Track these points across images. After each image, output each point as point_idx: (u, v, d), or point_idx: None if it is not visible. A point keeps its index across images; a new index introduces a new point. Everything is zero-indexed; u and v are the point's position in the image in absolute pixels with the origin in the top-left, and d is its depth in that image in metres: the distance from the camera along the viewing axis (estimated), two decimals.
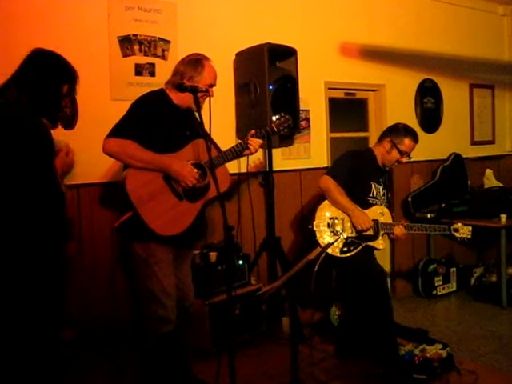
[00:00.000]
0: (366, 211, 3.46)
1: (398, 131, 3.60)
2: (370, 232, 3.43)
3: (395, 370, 3.16)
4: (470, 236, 3.59)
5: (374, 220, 3.46)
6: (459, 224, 3.61)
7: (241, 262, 3.84)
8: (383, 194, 3.61)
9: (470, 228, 3.59)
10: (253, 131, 3.01)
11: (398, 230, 3.48)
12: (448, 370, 3.25)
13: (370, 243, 3.46)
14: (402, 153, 3.55)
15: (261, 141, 3.00)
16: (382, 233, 3.48)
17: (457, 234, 3.58)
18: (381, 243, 3.50)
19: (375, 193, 3.56)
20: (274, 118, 3.15)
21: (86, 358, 3.30)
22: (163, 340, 2.74)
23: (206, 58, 2.87)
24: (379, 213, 3.52)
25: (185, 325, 2.93)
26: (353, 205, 3.41)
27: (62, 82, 2.41)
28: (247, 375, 3.18)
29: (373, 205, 3.53)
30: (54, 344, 2.46)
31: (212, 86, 2.86)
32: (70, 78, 2.45)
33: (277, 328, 3.96)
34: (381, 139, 3.65)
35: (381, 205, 3.56)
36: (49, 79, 2.38)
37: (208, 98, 2.69)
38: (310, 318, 3.95)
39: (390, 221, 3.54)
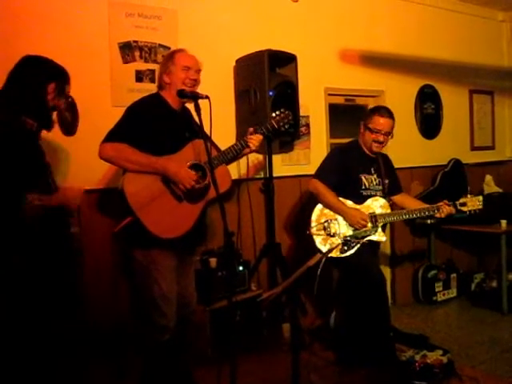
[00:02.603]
0: (362, 205, 3.46)
1: (366, 113, 3.72)
2: (369, 226, 3.42)
3: (396, 376, 3.15)
4: (481, 206, 3.38)
5: (370, 213, 3.44)
6: (467, 197, 3.39)
7: (241, 268, 3.83)
8: (377, 183, 3.57)
9: (481, 197, 3.39)
10: (251, 129, 2.95)
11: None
12: (449, 376, 3.25)
13: (370, 237, 3.44)
14: (372, 131, 3.48)
15: (261, 136, 2.92)
16: (380, 224, 3.46)
17: (465, 209, 3.38)
18: (382, 235, 3.48)
19: (367, 184, 3.53)
20: (273, 114, 3.03)
21: (85, 358, 3.28)
22: (163, 347, 2.74)
23: (178, 50, 2.88)
24: (375, 205, 3.50)
25: (186, 331, 2.93)
26: (344, 205, 3.41)
27: (46, 79, 2.36)
28: (248, 382, 3.16)
29: (368, 197, 3.51)
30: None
31: (188, 68, 2.78)
32: (55, 75, 2.39)
33: (277, 334, 3.95)
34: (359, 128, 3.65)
35: (376, 195, 3.53)
36: (32, 78, 2.33)
37: (208, 105, 2.63)
38: (310, 324, 3.94)
39: (388, 210, 3.51)
